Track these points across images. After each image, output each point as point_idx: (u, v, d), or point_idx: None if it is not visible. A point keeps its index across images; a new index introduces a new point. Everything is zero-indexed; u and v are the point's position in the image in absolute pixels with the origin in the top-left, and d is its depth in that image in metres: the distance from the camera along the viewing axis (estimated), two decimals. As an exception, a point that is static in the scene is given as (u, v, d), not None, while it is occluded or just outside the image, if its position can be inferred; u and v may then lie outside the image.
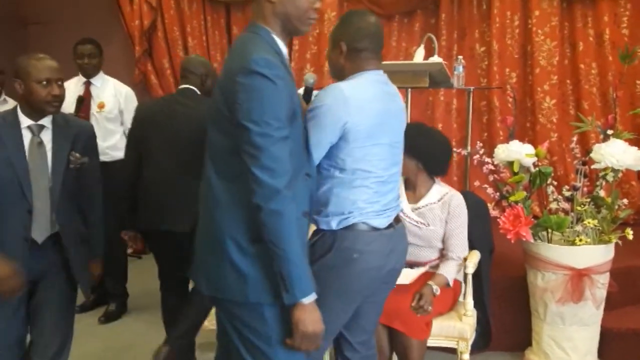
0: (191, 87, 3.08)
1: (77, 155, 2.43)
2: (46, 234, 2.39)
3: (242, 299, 1.74)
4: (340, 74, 2.11)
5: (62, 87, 2.36)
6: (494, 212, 3.15)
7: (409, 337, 2.64)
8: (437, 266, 2.86)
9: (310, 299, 1.69)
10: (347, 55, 2.07)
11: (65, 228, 2.42)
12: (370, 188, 2.03)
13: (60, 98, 2.36)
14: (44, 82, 2.31)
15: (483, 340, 3.29)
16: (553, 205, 3.20)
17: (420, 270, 2.85)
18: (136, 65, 5.81)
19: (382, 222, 2.06)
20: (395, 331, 2.67)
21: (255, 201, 1.64)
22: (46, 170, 2.35)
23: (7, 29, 6.11)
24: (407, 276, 2.73)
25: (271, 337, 1.75)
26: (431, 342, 2.77)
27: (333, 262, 2.02)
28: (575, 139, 3.60)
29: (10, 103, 4.54)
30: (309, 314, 1.68)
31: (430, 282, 2.73)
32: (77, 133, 2.47)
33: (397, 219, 2.18)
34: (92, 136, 2.57)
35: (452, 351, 2.86)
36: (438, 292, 2.71)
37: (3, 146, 2.31)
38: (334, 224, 2.02)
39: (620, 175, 3.13)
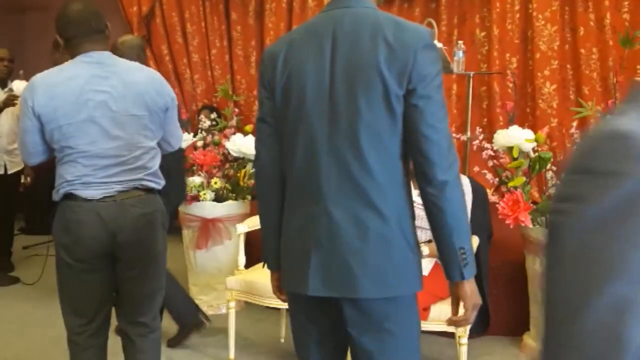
0: None
1: None
2: None
3: (412, 291, 1.66)
4: None
5: None
6: (492, 198, 3.15)
7: None
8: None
9: None
10: (65, 46, 2.20)
11: None
12: (78, 162, 2.15)
13: None
14: None
15: (482, 324, 3.31)
16: (552, 191, 3.20)
17: (433, 261, 2.83)
18: (135, 52, 5.77)
19: (93, 193, 2.17)
20: None
21: (442, 177, 1.54)
22: None
23: (5, 15, 6.08)
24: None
25: (417, 326, 1.73)
26: (430, 326, 2.77)
27: (55, 231, 2.20)
28: (575, 124, 3.58)
29: (17, 91, 4.37)
30: (474, 284, 1.63)
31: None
32: None
33: (136, 194, 2.22)
34: None
35: (451, 335, 2.88)
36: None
37: None
38: (55, 197, 2.21)
39: (619, 160, 3.12)
